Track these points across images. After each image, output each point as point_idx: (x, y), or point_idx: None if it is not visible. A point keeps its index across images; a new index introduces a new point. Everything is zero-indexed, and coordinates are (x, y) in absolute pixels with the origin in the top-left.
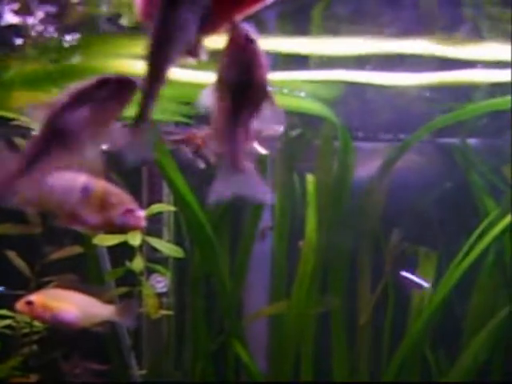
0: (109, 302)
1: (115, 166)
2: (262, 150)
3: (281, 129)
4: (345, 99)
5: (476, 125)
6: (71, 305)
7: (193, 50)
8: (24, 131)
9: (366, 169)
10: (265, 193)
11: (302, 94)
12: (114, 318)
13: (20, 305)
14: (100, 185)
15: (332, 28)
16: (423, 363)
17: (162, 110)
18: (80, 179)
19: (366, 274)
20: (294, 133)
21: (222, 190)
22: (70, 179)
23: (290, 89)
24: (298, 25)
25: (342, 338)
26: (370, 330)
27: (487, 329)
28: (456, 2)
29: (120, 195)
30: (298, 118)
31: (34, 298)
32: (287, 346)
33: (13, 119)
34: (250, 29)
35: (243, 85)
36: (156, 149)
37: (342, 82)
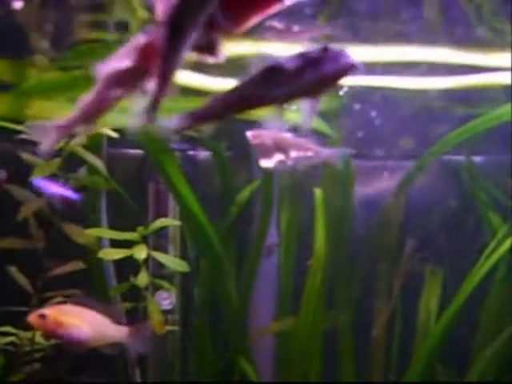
0: (119, 322)
1: (121, 181)
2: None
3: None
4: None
5: (481, 141)
6: (85, 322)
7: (211, 50)
8: (31, 147)
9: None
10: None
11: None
12: (126, 341)
13: (32, 318)
14: None
15: (352, 25)
16: (432, 380)
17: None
18: None
19: (382, 288)
20: None
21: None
22: None
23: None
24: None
25: (351, 355)
26: (382, 344)
27: (495, 346)
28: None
29: None
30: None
31: (47, 311)
32: (294, 363)
33: (20, 132)
34: None
35: None
36: (163, 161)
37: (353, 87)
